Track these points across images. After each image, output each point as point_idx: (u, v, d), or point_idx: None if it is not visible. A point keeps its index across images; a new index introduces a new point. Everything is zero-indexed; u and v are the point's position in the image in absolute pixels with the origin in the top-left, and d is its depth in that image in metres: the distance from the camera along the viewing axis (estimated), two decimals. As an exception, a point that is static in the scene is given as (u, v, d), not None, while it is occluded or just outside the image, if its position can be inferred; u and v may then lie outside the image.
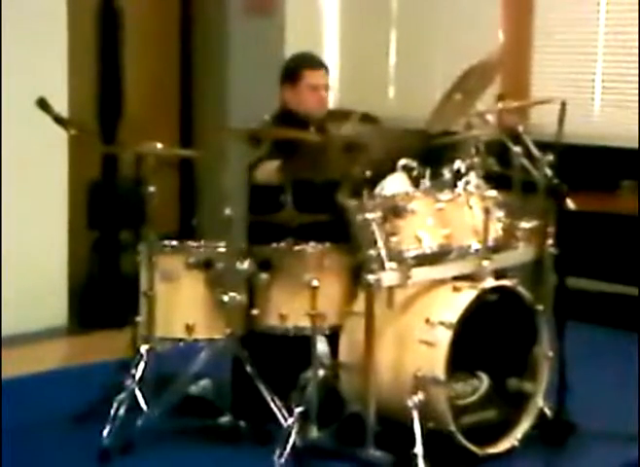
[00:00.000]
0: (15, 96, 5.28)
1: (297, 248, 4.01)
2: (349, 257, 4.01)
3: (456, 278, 3.96)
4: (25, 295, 5.47)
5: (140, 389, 3.97)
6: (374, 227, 3.79)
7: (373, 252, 3.76)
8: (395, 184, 4.15)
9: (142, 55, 6.36)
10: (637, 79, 5.91)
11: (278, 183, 4.08)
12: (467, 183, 4.04)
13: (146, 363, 4.00)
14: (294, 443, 3.77)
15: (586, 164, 5.92)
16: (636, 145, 5.84)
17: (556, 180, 4.02)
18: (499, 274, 4.04)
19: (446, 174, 4.06)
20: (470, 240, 3.95)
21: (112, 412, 3.89)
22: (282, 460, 3.73)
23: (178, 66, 6.66)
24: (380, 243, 3.78)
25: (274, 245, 4.05)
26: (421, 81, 6.75)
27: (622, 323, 5.63)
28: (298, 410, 3.83)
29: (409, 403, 3.70)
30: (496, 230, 4.03)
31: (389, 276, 3.76)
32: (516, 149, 4.14)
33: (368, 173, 3.85)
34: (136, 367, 4.00)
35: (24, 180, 5.48)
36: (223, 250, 4.05)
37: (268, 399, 3.98)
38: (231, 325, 4.03)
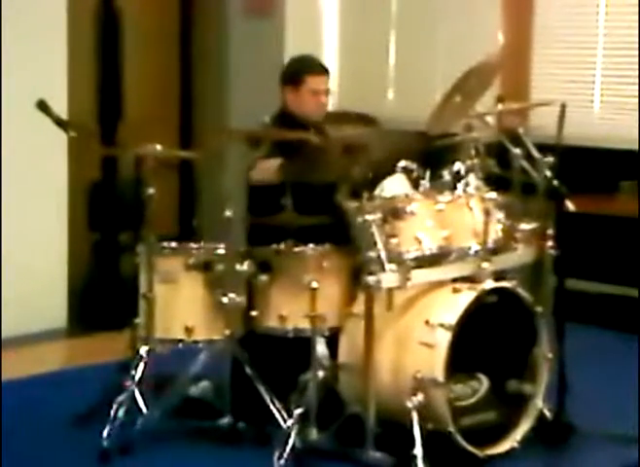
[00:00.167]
0: (14, 97, 5.28)
1: (296, 250, 4.01)
2: (349, 258, 4.00)
3: (456, 280, 3.96)
4: (25, 296, 5.46)
5: (140, 390, 3.97)
6: (374, 228, 3.79)
7: (372, 254, 3.76)
8: (395, 186, 4.14)
9: (142, 57, 6.36)
10: (637, 80, 5.91)
11: (276, 181, 4.09)
12: (467, 185, 4.04)
13: (145, 364, 4.00)
14: (293, 444, 3.76)
15: (586, 166, 5.92)
16: (636, 147, 5.84)
17: (556, 182, 4.01)
18: (499, 276, 4.03)
19: (446, 176, 4.06)
20: (469, 242, 3.95)
21: (111, 413, 3.89)
22: (282, 462, 3.73)
23: (178, 67, 6.65)
24: (380, 245, 3.77)
25: (274, 247, 4.04)
26: (421, 82, 6.73)
27: (621, 325, 5.63)
28: (297, 411, 3.83)
29: (409, 404, 3.70)
30: (496, 231, 4.03)
31: (389, 278, 3.76)
32: (516, 151, 4.14)
33: (368, 175, 3.85)
34: (136, 368, 3.99)
35: (24, 182, 5.48)
36: (222, 252, 4.05)
37: (268, 400, 3.98)
38: (231, 326, 4.03)
